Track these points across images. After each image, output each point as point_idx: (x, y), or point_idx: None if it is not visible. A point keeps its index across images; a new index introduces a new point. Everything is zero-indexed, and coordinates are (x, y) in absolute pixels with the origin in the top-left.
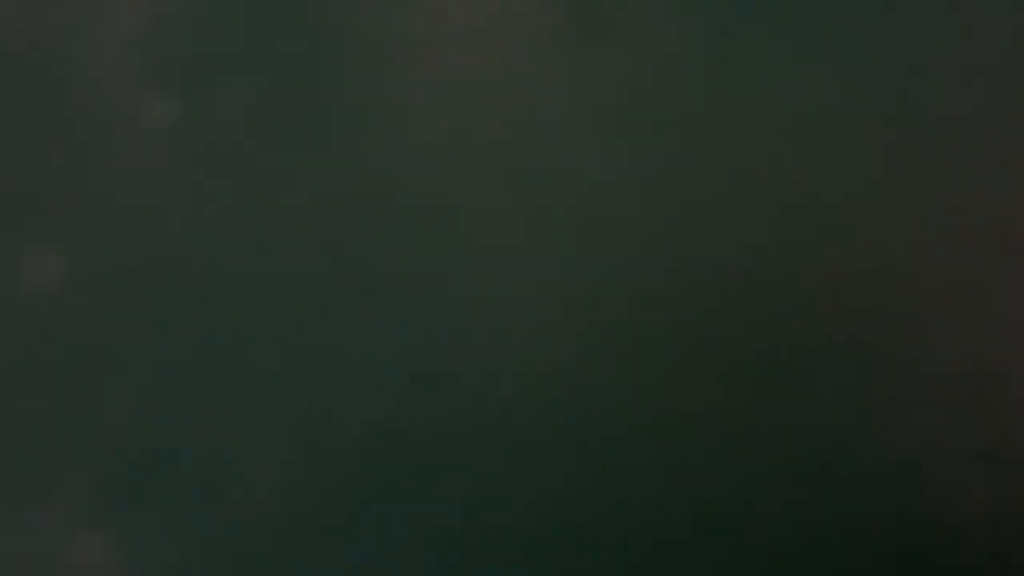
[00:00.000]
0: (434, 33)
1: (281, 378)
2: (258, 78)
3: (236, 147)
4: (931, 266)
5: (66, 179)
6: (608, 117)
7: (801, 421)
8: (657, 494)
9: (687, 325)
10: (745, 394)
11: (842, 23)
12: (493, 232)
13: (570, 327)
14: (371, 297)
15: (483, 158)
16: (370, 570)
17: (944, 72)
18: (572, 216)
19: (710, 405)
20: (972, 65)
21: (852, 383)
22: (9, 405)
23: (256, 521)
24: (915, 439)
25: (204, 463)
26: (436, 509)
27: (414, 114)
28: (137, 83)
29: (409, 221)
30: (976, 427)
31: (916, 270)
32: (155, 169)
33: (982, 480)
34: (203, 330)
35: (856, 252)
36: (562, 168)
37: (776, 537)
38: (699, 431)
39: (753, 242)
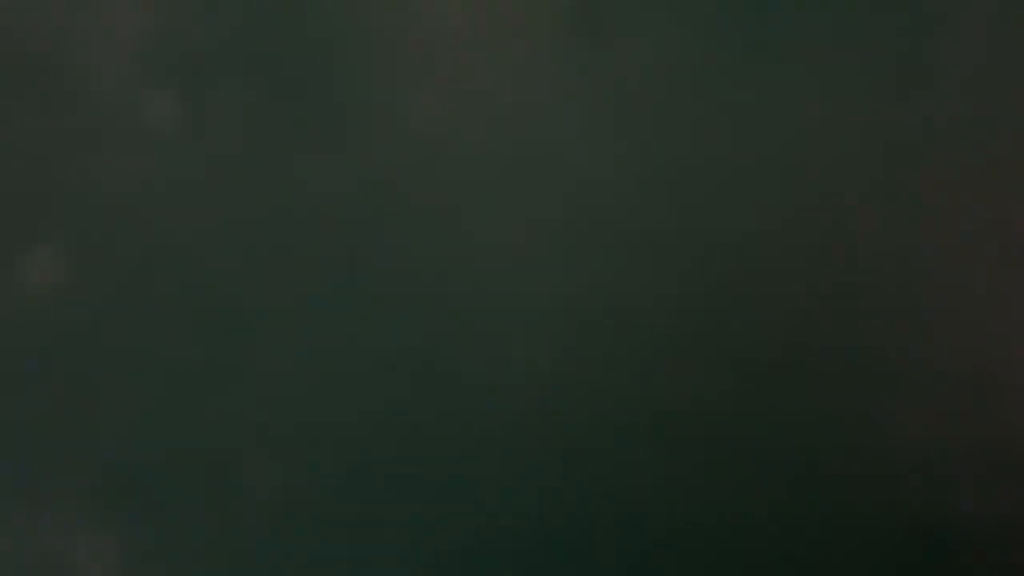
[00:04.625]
0: (434, 33)
1: (281, 377)
2: (258, 78)
3: (236, 147)
4: (931, 267)
5: (66, 179)
6: (608, 117)
7: (801, 421)
8: (656, 493)
9: (686, 325)
10: (745, 394)
11: (843, 23)
12: (493, 231)
13: (570, 326)
14: (371, 296)
15: (483, 158)
16: (370, 569)
17: (944, 73)
18: (572, 215)
19: (709, 405)
20: (972, 65)
21: (852, 383)
22: (9, 405)
23: (256, 520)
24: (915, 439)
25: (204, 463)
26: (435, 508)
27: (414, 114)
28: (137, 83)
29: (409, 221)
30: (976, 427)
31: (916, 271)
32: (155, 169)
33: (982, 480)
34: (203, 330)
35: (856, 252)
36: (562, 168)
37: (775, 536)
38: (698, 431)
39: (753, 242)
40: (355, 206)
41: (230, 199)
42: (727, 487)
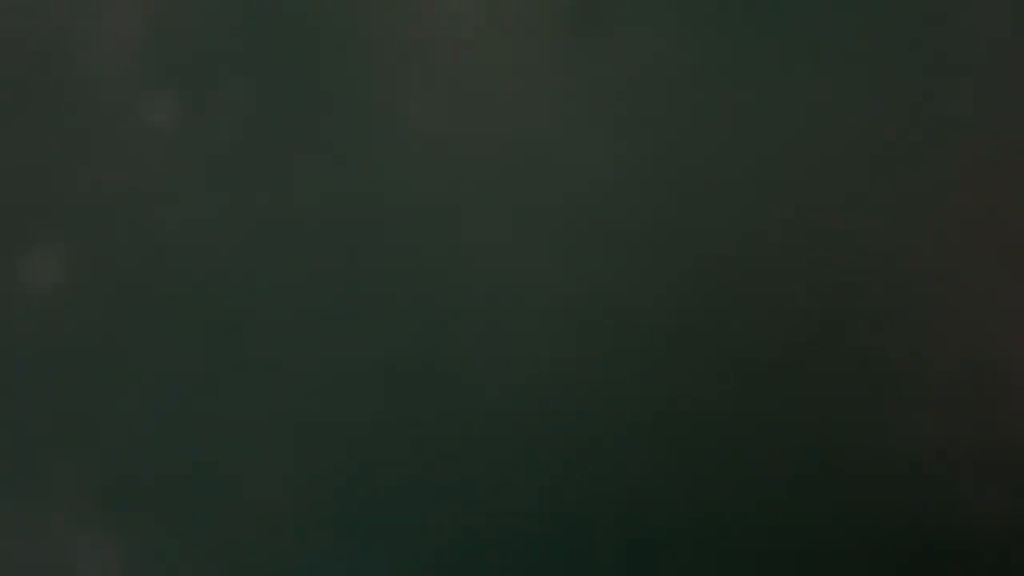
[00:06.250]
0: (434, 33)
1: (281, 378)
2: (258, 78)
3: (236, 147)
4: (931, 266)
5: (66, 179)
6: (607, 116)
7: (801, 421)
8: (657, 493)
9: (686, 325)
10: (745, 394)
11: (841, 22)
12: (493, 231)
13: (569, 327)
14: (370, 296)
15: (482, 158)
16: (370, 570)
17: (943, 72)
18: (572, 215)
19: (710, 405)
20: (971, 65)
21: (852, 383)
22: (9, 405)
23: (256, 521)
24: (915, 440)
25: (204, 464)
26: (436, 509)
27: (414, 114)
28: (137, 83)
29: (408, 221)
30: (976, 428)
31: (916, 270)
32: (155, 169)
33: (982, 480)
34: (203, 330)
35: (856, 252)
36: (562, 168)
37: (776, 537)
38: (699, 431)
39: (752, 242)
40: (355, 206)
41: (230, 199)
42: (728, 487)
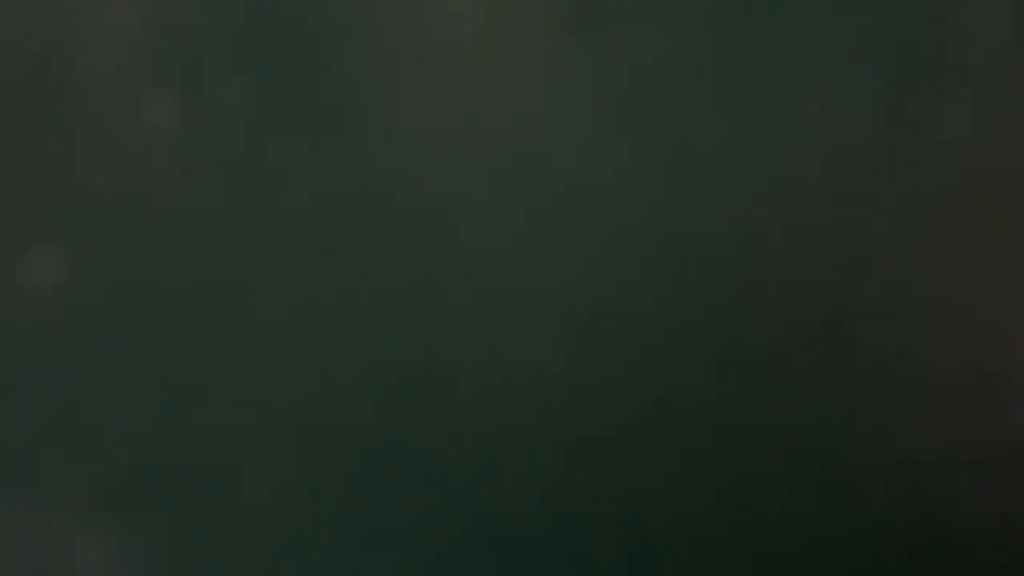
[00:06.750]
0: (434, 33)
1: (281, 378)
2: (258, 78)
3: (236, 147)
4: (931, 266)
5: (66, 179)
6: (607, 117)
7: (801, 421)
8: (656, 493)
9: (686, 325)
10: (744, 394)
11: (841, 22)
12: (493, 231)
13: (570, 326)
14: (370, 296)
15: (482, 158)
16: (370, 570)
17: (943, 71)
18: (571, 216)
19: (710, 405)
20: (971, 65)
21: (852, 383)
22: (9, 405)
23: (256, 521)
24: (915, 439)
25: (204, 464)
26: (435, 509)
27: (413, 114)
28: (137, 83)
29: (408, 221)
30: (976, 428)
31: (916, 270)
32: (155, 169)
33: (982, 480)
34: (203, 330)
35: (856, 252)
36: (562, 167)
37: (775, 537)
38: (698, 431)
39: (752, 242)
40: (355, 206)
41: (230, 199)
42: (727, 486)
